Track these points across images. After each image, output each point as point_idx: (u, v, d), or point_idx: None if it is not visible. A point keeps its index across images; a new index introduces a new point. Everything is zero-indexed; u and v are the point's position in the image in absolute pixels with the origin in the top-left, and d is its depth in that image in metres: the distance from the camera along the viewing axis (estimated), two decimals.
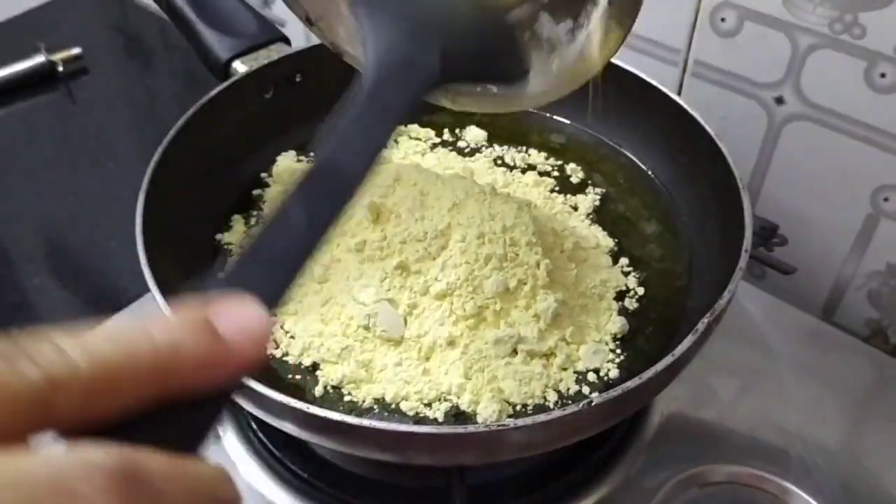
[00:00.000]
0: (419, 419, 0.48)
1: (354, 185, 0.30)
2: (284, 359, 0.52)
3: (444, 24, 0.35)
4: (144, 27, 1.05)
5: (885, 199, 0.64)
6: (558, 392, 0.50)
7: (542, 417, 0.43)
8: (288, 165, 0.64)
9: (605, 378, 0.51)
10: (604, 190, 0.63)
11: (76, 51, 0.95)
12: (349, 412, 0.48)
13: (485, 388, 0.49)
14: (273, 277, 0.25)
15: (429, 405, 0.49)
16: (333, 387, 0.50)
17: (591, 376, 0.51)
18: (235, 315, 0.20)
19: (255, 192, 0.63)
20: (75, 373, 0.18)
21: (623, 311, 0.55)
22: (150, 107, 0.87)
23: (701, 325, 0.46)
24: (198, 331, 0.19)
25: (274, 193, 0.62)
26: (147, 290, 0.48)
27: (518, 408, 0.49)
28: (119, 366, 0.18)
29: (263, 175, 0.64)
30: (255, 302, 0.20)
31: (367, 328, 0.51)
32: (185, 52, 0.97)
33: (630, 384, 0.43)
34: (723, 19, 0.64)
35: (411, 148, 0.66)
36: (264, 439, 0.55)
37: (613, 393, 0.43)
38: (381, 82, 0.33)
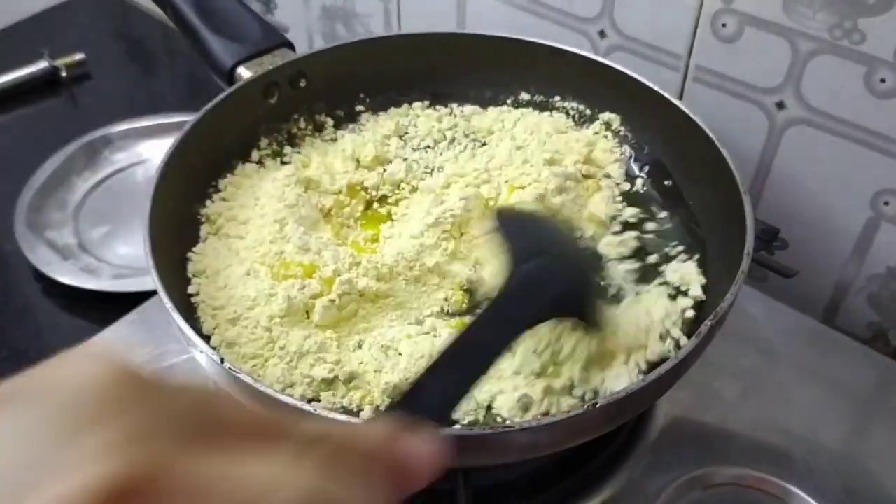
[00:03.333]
0: None
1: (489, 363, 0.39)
2: None
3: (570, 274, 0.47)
4: (147, 32, 1.06)
5: (886, 203, 0.64)
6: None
7: (546, 419, 0.43)
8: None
9: None
10: None
11: (79, 56, 0.96)
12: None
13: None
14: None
15: None
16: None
17: None
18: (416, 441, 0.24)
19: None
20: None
21: None
22: (153, 112, 0.88)
23: (703, 328, 0.47)
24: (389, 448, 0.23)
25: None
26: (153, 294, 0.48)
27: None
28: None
29: None
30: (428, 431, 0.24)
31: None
32: (187, 58, 0.98)
33: (634, 386, 0.44)
34: (724, 25, 0.65)
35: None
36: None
37: (618, 395, 0.44)
38: (516, 295, 0.43)
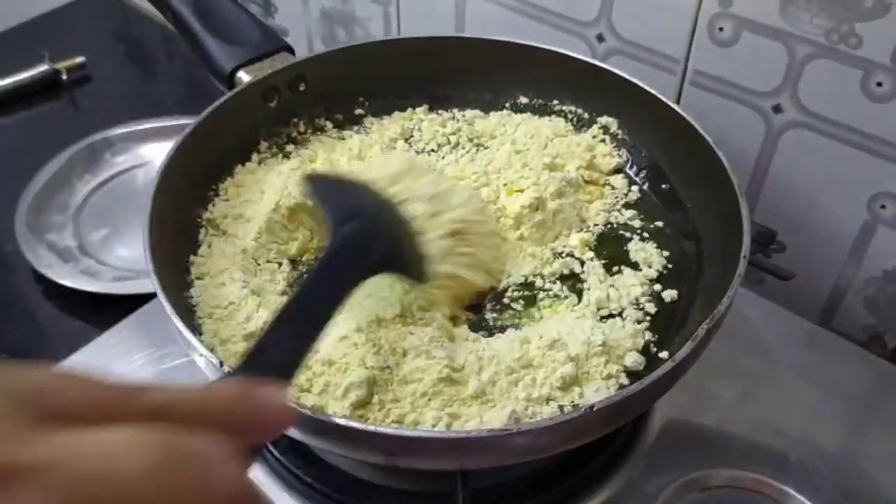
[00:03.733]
0: None
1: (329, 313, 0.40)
2: None
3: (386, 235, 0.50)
4: (147, 35, 1.06)
5: (882, 207, 0.64)
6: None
7: (545, 422, 0.43)
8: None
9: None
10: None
11: (80, 59, 0.97)
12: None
13: None
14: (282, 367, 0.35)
15: None
16: None
17: None
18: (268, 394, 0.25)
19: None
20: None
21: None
22: (153, 114, 0.88)
23: (700, 331, 0.47)
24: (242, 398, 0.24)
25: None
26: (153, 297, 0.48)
27: None
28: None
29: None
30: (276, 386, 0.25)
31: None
32: (187, 60, 0.98)
33: (631, 389, 0.44)
34: (721, 29, 0.65)
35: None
36: (268, 444, 0.56)
37: (615, 398, 0.44)
38: (344, 253, 0.46)
